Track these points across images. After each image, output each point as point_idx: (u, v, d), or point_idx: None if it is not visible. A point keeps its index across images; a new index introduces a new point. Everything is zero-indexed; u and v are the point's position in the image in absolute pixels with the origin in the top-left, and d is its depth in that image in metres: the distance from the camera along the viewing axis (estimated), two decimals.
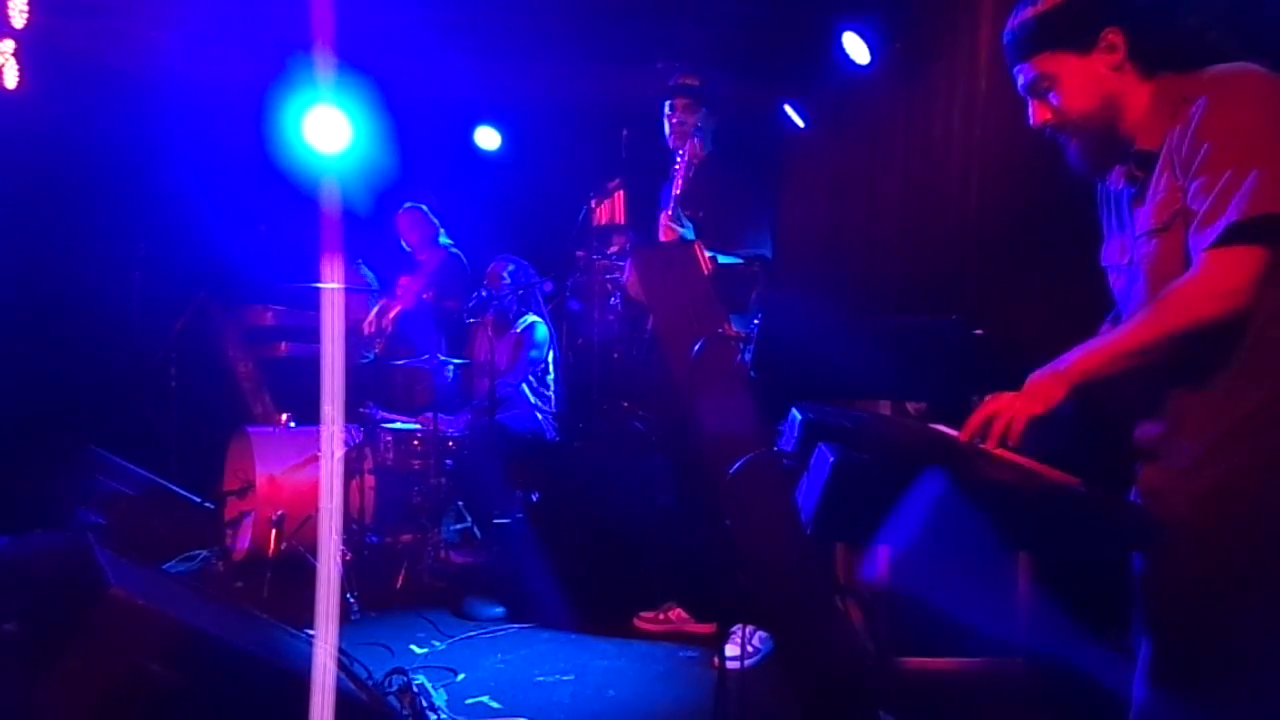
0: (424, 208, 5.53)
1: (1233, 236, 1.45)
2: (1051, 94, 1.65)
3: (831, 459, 1.35)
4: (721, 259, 3.44)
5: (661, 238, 3.60)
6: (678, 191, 3.64)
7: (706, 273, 2.64)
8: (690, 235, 3.53)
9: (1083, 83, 1.63)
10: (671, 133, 3.72)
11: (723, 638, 3.53)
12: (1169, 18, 1.63)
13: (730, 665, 3.41)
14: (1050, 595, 2.09)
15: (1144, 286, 1.64)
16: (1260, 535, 1.48)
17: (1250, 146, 1.47)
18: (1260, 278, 1.46)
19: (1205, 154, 1.50)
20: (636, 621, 3.84)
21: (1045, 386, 1.53)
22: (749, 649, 3.52)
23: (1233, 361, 1.52)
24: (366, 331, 5.29)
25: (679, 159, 3.66)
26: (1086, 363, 1.56)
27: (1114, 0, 1.61)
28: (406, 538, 4.60)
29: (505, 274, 4.88)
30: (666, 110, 3.75)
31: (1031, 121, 1.71)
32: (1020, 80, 1.69)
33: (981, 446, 1.52)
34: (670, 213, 3.58)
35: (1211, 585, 1.50)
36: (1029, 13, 1.65)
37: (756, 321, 2.16)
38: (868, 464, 1.36)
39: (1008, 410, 1.52)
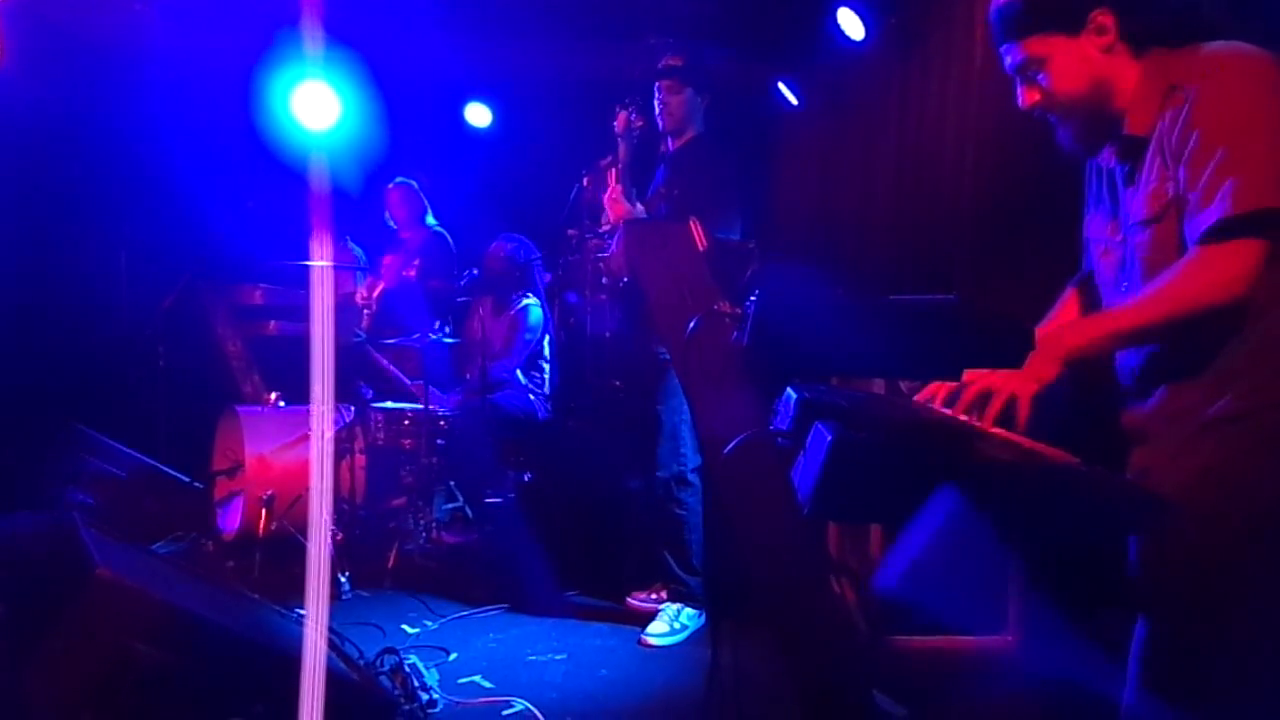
0: (414, 184, 5.48)
1: (1229, 229, 1.45)
2: (1040, 76, 1.62)
3: (829, 437, 1.33)
4: None
5: (610, 212, 3.61)
6: (620, 165, 3.65)
7: (701, 249, 2.61)
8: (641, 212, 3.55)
9: (1072, 65, 1.60)
10: (659, 114, 3.71)
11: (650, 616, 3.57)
12: None
13: (657, 643, 3.45)
14: (1045, 576, 2.09)
15: (1138, 275, 1.63)
16: (1248, 517, 1.48)
17: (1241, 134, 1.46)
18: (1258, 267, 1.45)
19: (1196, 142, 1.48)
20: (629, 601, 3.84)
21: (1039, 364, 1.52)
22: (676, 626, 3.54)
23: (1223, 347, 1.52)
24: (360, 303, 5.25)
25: (618, 132, 3.67)
26: (1080, 339, 1.56)
27: None
28: (398, 513, 4.59)
29: (505, 254, 4.84)
30: (655, 92, 3.74)
31: (1020, 103, 1.68)
32: (1008, 61, 1.66)
33: (978, 425, 1.51)
34: (619, 187, 3.59)
35: (1199, 566, 1.50)
36: None
37: (752, 299, 2.14)
38: (866, 442, 1.34)
39: (1005, 388, 1.51)
